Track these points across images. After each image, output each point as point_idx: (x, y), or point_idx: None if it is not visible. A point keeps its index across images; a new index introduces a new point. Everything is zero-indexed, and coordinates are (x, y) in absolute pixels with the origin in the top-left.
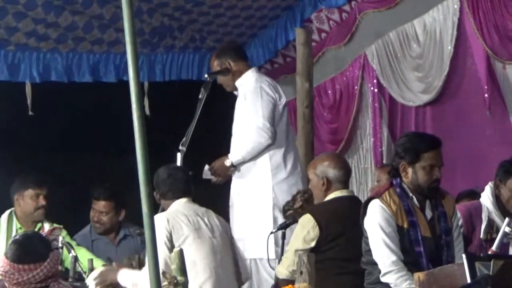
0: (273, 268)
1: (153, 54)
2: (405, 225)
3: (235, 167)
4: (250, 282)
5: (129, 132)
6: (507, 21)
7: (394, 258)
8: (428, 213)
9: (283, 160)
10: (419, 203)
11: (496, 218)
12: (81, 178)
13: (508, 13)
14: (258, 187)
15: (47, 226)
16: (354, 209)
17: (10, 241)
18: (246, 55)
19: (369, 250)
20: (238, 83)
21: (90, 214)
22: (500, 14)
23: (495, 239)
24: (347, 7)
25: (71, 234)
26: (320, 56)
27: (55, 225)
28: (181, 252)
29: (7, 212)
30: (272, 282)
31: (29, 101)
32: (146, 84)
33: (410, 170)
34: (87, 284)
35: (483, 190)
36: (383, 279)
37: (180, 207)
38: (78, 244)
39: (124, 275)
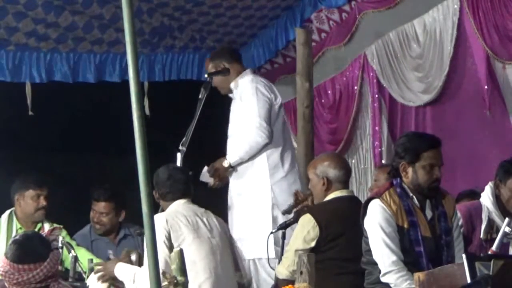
0: (273, 268)
1: (153, 54)
2: (405, 225)
3: (233, 167)
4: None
5: (129, 132)
6: (507, 21)
7: (394, 258)
8: (428, 213)
9: (280, 159)
10: (419, 203)
11: (496, 218)
12: (81, 178)
13: (508, 13)
14: (256, 187)
15: (47, 226)
16: (354, 209)
17: (10, 241)
18: (240, 57)
19: (369, 250)
20: (233, 85)
21: (90, 215)
22: (500, 14)
23: (495, 239)
24: (347, 7)
25: (71, 234)
26: (320, 56)
27: (55, 225)
28: (181, 252)
29: (7, 212)
30: (271, 282)
31: (29, 101)
32: (146, 84)
33: (410, 170)
34: (87, 284)
35: (483, 190)
36: (383, 279)
37: (179, 207)
38: (78, 244)
39: (122, 269)
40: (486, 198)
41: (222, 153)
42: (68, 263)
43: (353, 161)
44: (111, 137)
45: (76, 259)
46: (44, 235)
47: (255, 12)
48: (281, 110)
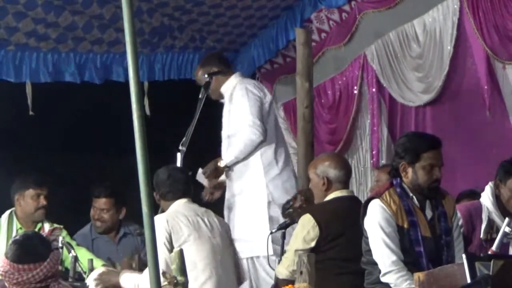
0: (272, 268)
1: (153, 54)
2: (405, 225)
3: (229, 167)
4: (248, 281)
5: (129, 132)
6: (507, 21)
7: (394, 258)
8: (428, 213)
9: (274, 157)
10: (419, 203)
11: (496, 218)
12: (81, 178)
13: (508, 13)
14: (252, 186)
15: (47, 226)
16: (354, 209)
17: (10, 241)
18: (229, 62)
19: (369, 250)
20: (223, 89)
21: (90, 213)
22: (500, 14)
23: (495, 239)
24: (347, 7)
25: (71, 234)
26: (320, 56)
27: (55, 225)
28: (181, 252)
29: (7, 212)
30: (270, 280)
31: (29, 101)
32: (146, 84)
33: (410, 170)
34: (87, 284)
35: (483, 190)
36: (383, 279)
37: (179, 207)
38: (78, 244)
39: (126, 279)
40: (486, 198)
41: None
42: (68, 263)
43: (353, 161)
44: (111, 137)
45: (76, 259)
46: (44, 235)
47: (255, 12)
48: (272, 107)
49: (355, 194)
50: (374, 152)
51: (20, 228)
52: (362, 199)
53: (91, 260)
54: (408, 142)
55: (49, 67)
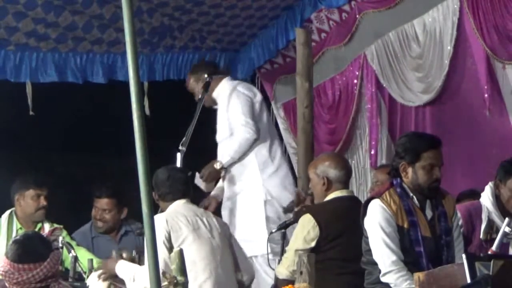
0: (272, 268)
1: (153, 54)
2: (405, 225)
3: (226, 168)
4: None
5: (129, 132)
6: (507, 21)
7: (394, 258)
8: (428, 213)
9: (269, 155)
10: (419, 203)
11: (496, 218)
12: (81, 178)
13: (508, 13)
14: (248, 185)
15: (47, 226)
16: (354, 209)
17: (11, 241)
18: (219, 68)
19: (369, 250)
20: (215, 94)
21: (91, 213)
22: (500, 14)
23: (495, 239)
24: (347, 7)
25: (71, 234)
26: (320, 56)
27: (55, 225)
28: (181, 252)
29: (7, 212)
30: (269, 279)
31: (29, 101)
32: (146, 84)
33: (410, 170)
34: (87, 284)
35: (483, 190)
36: (383, 279)
37: (179, 207)
38: (78, 244)
39: (123, 267)
40: (486, 198)
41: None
42: (68, 263)
43: (353, 161)
44: (111, 137)
45: (76, 259)
46: (45, 236)
47: (255, 12)
48: (263, 106)
49: (355, 194)
50: (372, 153)
51: (20, 228)
52: (362, 199)
53: (91, 260)
54: (408, 142)
55: (48, 67)
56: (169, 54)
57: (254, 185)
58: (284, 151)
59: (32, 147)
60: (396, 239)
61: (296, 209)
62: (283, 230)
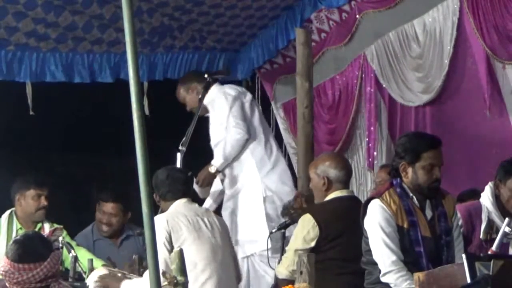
0: (272, 268)
1: (153, 54)
2: (405, 225)
3: (220, 171)
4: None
5: (129, 132)
6: (507, 21)
7: (394, 258)
8: (428, 213)
9: (265, 152)
10: (419, 203)
11: (496, 218)
12: (81, 178)
13: (508, 13)
14: (247, 183)
15: (47, 227)
16: (354, 209)
17: (11, 241)
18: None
19: (369, 250)
20: (206, 101)
21: (96, 216)
22: (500, 14)
23: (495, 239)
24: (347, 7)
25: (71, 234)
26: (320, 56)
27: (55, 225)
28: (181, 252)
29: (7, 212)
30: (268, 277)
31: (29, 101)
32: (145, 84)
33: (410, 170)
34: (87, 284)
35: (483, 190)
36: (383, 279)
37: (179, 207)
38: (78, 244)
39: (127, 286)
40: (486, 199)
41: None
42: (68, 263)
43: (353, 161)
44: (111, 137)
45: (76, 259)
46: (45, 236)
47: (255, 12)
48: (254, 105)
49: (355, 194)
50: (370, 153)
51: (20, 228)
52: (362, 199)
53: (91, 260)
54: (408, 142)
55: (48, 67)
56: (169, 54)
57: (253, 183)
58: (284, 150)
59: (32, 147)
60: (396, 239)
61: (292, 211)
62: (283, 230)
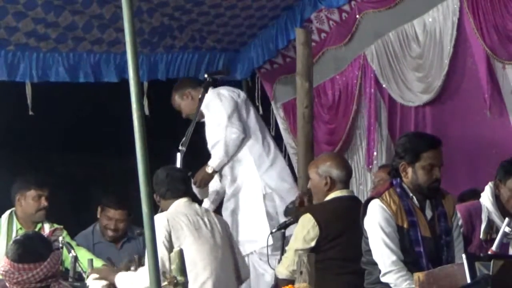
0: (272, 268)
1: (153, 54)
2: (405, 225)
3: (217, 171)
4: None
5: (129, 132)
6: (507, 21)
7: (394, 258)
8: (428, 213)
9: (263, 149)
10: (419, 203)
11: (496, 218)
12: (81, 178)
13: (508, 13)
14: (246, 181)
15: (47, 227)
16: (354, 209)
17: (11, 242)
18: (202, 82)
19: (369, 250)
20: (202, 105)
21: (102, 222)
22: (500, 14)
23: (495, 239)
24: (347, 7)
25: (71, 234)
26: (320, 56)
27: (56, 225)
28: (181, 252)
29: (8, 212)
30: (267, 275)
31: (29, 101)
32: (145, 84)
33: (410, 170)
34: (87, 284)
35: (483, 190)
36: (383, 279)
37: (180, 207)
38: (78, 244)
39: (121, 278)
40: (486, 199)
41: None
42: (68, 263)
43: (353, 161)
44: (111, 137)
45: (76, 259)
46: (45, 236)
47: (255, 12)
48: (248, 104)
49: (355, 194)
50: (369, 153)
51: (20, 229)
52: (362, 199)
53: (91, 260)
54: (408, 142)
55: (48, 67)
56: (169, 54)
57: (252, 181)
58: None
59: (32, 147)
60: (396, 239)
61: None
62: (283, 230)
